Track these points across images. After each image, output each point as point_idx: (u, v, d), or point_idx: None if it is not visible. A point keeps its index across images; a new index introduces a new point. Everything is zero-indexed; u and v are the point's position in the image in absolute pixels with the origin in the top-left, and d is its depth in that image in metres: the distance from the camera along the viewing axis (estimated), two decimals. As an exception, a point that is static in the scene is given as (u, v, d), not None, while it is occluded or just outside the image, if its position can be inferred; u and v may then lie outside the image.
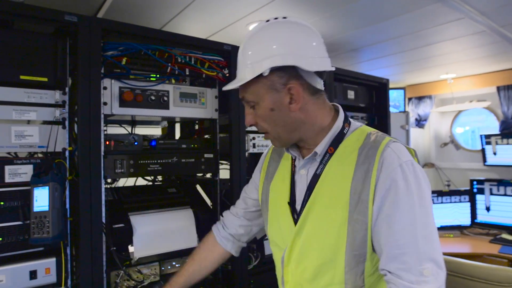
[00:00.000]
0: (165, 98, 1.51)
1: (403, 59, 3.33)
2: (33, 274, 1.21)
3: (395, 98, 4.53)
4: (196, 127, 2.01)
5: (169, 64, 1.49)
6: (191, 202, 1.70)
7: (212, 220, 1.68)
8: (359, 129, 1.03)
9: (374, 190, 0.91)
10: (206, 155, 1.63)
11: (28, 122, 1.30)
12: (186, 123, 2.14)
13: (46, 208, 1.17)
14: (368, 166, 0.92)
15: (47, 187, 1.17)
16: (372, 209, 0.91)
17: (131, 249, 1.45)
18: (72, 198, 1.30)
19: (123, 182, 1.81)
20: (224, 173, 1.72)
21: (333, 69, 1.01)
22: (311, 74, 0.96)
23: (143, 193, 1.68)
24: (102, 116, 1.35)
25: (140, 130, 2.10)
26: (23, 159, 1.26)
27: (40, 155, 1.31)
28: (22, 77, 1.23)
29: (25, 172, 1.25)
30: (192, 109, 1.60)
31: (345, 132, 1.02)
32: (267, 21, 0.99)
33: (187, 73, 1.57)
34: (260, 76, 0.93)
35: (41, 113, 1.27)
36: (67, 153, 1.30)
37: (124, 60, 1.41)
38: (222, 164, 1.78)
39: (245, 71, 0.97)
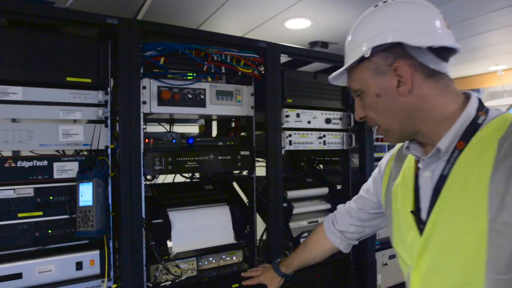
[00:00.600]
0: (202, 96, 1.54)
1: (448, 51, 3.17)
2: (79, 265, 1.28)
3: (439, 92, 4.33)
4: (233, 124, 2.03)
5: (206, 62, 1.51)
6: (227, 199, 1.72)
7: (248, 217, 1.69)
8: (501, 117, 0.82)
9: None
10: (242, 153, 1.64)
11: (74, 121, 1.37)
12: (223, 120, 2.16)
13: (90, 203, 1.23)
14: (506, 157, 0.74)
15: (91, 183, 1.23)
16: None
17: (169, 244, 1.49)
18: (114, 194, 1.35)
19: (161, 179, 1.87)
20: (261, 170, 1.72)
21: (458, 46, 0.85)
22: (424, 52, 0.83)
23: (181, 190, 1.72)
24: (142, 115, 1.39)
25: (178, 128, 2.15)
26: (69, 156, 1.33)
27: (85, 153, 1.38)
28: (68, 78, 1.30)
29: (71, 168, 1.31)
30: (228, 106, 1.61)
31: (479, 122, 0.83)
32: (376, 6, 0.92)
33: (223, 71, 1.58)
34: (364, 60, 0.87)
35: (86, 112, 1.33)
36: (109, 151, 1.36)
37: (162, 60, 1.45)
38: (258, 161, 1.79)
39: (348, 57, 0.92)
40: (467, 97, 0.88)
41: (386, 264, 2.13)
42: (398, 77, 0.84)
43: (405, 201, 0.96)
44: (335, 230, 1.32)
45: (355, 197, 1.32)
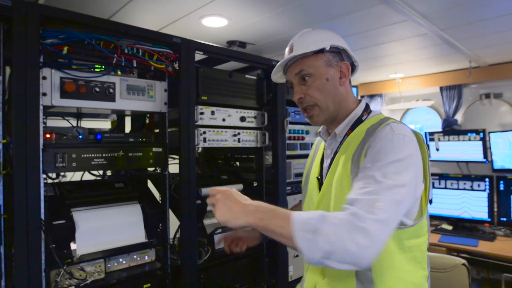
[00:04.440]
0: (111, 90, 1.47)
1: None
2: (-39, 275, 1.13)
3: (348, 96, 4.69)
4: (147, 121, 1.97)
5: (115, 55, 1.45)
6: (139, 197, 1.66)
7: (161, 215, 1.66)
8: (376, 116, 1.20)
9: (365, 154, 1.04)
10: (154, 149, 1.60)
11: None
12: (137, 117, 2.09)
13: (-26, 204, 1.09)
14: (366, 139, 1.08)
15: (-25, 182, 1.10)
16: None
17: (73, 246, 1.39)
18: (7, 194, 1.23)
19: (70, 177, 1.74)
20: (175, 167, 1.70)
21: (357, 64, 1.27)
22: (349, 61, 1.21)
23: (88, 189, 1.62)
24: (41, 107, 1.29)
25: (88, 124, 2.02)
26: (-50, 152, 1.17)
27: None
28: None
29: (-48, 166, 1.16)
30: (140, 102, 1.56)
31: (363, 119, 1.19)
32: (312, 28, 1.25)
33: (135, 65, 1.53)
34: (318, 53, 1.16)
35: (-29, 103, 1.19)
36: (1, 146, 1.23)
37: (65, 49, 1.35)
38: (174, 158, 1.76)
39: (303, 48, 1.16)
40: (359, 101, 1.26)
41: (297, 255, 2.25)
42: (341, 73, 1.19)
43: (315, 171, 1.31)
44: None
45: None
